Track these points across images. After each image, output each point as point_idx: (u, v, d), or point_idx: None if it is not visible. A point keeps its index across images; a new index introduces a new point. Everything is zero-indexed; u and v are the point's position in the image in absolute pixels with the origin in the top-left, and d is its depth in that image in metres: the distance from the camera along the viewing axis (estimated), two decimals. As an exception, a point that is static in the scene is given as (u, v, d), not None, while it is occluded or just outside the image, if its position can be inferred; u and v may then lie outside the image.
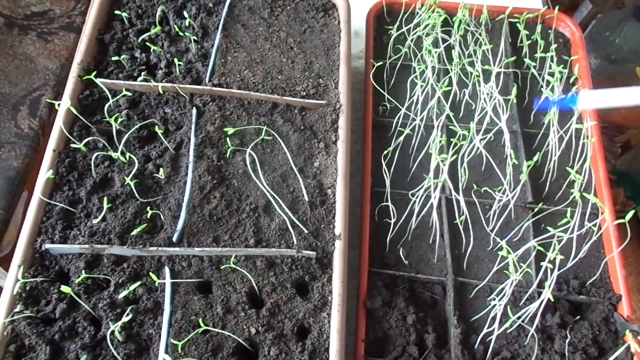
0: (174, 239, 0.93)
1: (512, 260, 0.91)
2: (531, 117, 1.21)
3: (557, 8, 1.30)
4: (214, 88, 1.08)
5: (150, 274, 0.89)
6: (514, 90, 1.16)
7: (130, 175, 0.98)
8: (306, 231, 0.96)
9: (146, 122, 1.05)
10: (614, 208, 1.08)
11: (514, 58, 1.22)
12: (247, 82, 1.11)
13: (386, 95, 1.20)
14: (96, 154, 1.00)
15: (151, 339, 0.86)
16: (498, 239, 1.04)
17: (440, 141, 1.10)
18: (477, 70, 1.17)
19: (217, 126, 1.05)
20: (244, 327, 0.87)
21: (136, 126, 1.04)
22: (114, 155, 1.00)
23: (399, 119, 1.13)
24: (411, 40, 1.24)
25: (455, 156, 1.06)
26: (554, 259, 0.91)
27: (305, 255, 0.93)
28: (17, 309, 0.86)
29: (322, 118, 1.09)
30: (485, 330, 0.94)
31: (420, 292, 1.02)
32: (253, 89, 1.10)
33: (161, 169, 1.00)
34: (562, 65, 1.18)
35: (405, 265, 1.04)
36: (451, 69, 1.19)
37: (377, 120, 1.18)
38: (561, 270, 0.96)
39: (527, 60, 1.21)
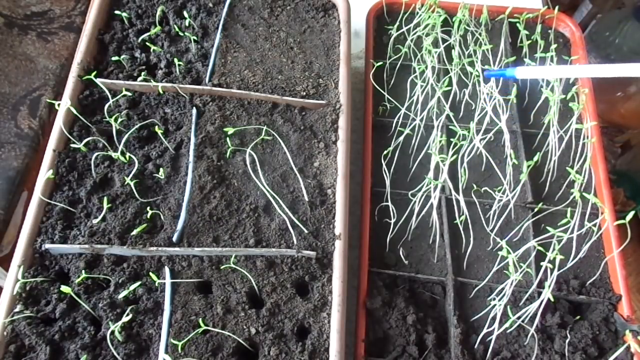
0: (174, 239, 0.93)
1: (512, 260, 0.91)
2: (531, 117, 1.21)
3: (557, 8, 1.30)
4: (214, 88, 1.08)
5: (150, 274, 0.89)
6: (514, 90, 1.15)
7: (130, 175, 0.98)
8: (306, 231, 0.96)
9: (146, 122, 1.05)
10: (614, 208, 1.08)
11: (514, 58, 1.22)
12: (247, 82, 1.11)
13: (386, 95, 1.20)
14: (96, 154, 1.00)
15: (151, 339, 0.86)
16: (498, 239, 1.04)
17: (440, 141, 1.10)
18: (477, 70, 1.17)
19: (217, 126, 1.05)
20: (244, 327, 0.87)
21: (136, 126, 1.04)
22: (114, 155, 1.00)
23: (399, 119, 1.13)
24: (411, 40, 1.24)
25: (455, 156, 1.06)
26: (554, 259, 0.91)
27: (305, 255, 0.93)
28: (17, 309, 0.86)
29: (322, 118, 1.09)
30: (485, 330, 0.94)
31: (420, 292, 1.02)
32: (253, 89, 1.10)
33: (161, 169, 1.00)
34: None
35: (405, 265, 1.04)
36: (451, 69, 1.19)
37: (377, 120, 1.18)
38: (561, 270, 0.96)
39: (527, 60, 1.21)
